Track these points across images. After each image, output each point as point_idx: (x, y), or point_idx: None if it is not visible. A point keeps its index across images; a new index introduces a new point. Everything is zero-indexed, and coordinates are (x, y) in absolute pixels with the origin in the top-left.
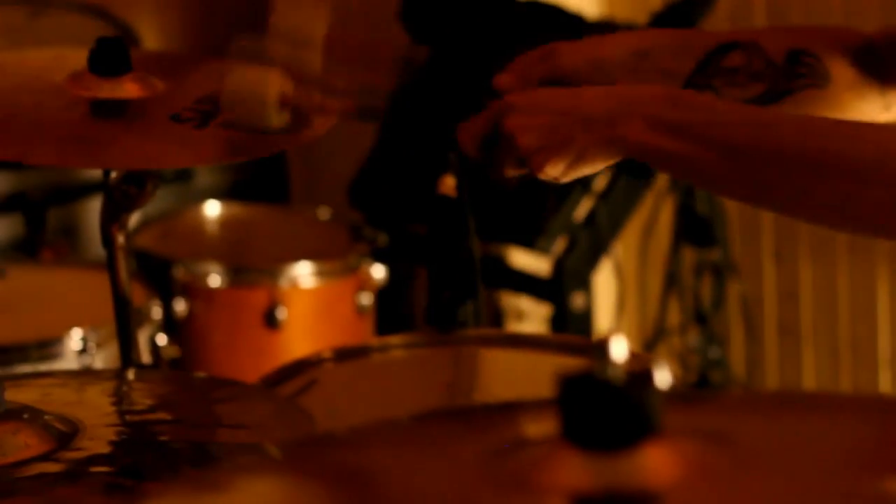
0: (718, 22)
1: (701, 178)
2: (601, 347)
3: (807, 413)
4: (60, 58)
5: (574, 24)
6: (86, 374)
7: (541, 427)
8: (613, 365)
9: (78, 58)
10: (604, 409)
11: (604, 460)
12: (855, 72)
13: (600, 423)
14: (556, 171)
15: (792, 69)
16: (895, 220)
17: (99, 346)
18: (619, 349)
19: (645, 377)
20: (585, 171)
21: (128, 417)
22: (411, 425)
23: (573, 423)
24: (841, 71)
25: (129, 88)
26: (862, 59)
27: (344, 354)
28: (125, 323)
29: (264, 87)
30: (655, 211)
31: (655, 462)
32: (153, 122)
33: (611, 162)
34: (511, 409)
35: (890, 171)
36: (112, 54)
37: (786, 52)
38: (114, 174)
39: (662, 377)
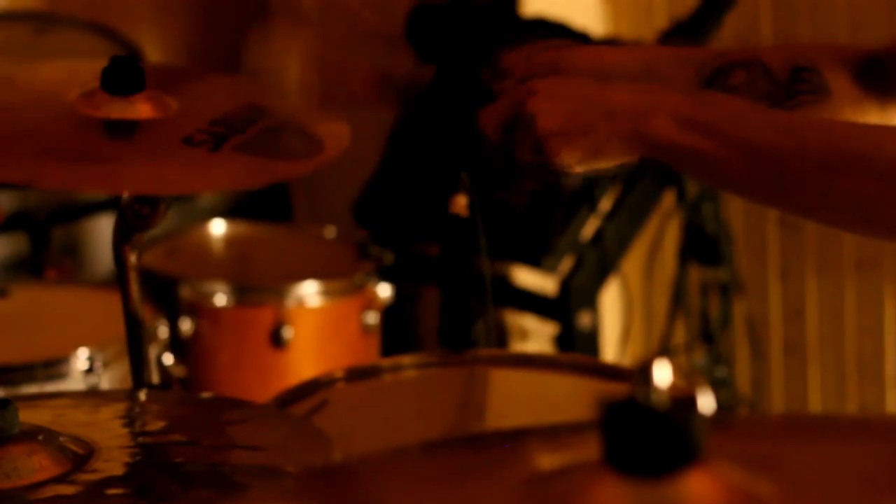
0: (725, 41)
1: (724, 178)
2: (644, 372)
3: (848, 437)
4: (73, 73)
5: (580, 42)
6: (98, 395)
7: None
8: (656, 390)
9: (90, 72)
10: (647, 435)
11: (647, 487)
12: (856, 87)
13: (643, 449)
14: (571, 159)
15: (794, 86)
16: None
17: (105, 365)
18: (663, 374)
19: (689, 403)
20: (601, 163)
21: (141, 439)
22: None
23: (616, 448)
24: (841, 85)
25: (141, 109)
26: (864, 73)
27: (355, 374)
28: (137, 343)
29: None
30: (662, 230)
31: (699, 489)
32: (165, 145)
33: (627, 159)
34: (546, 433)
35: None
36: (125, 73)
37: (789, 70)
38: (126, 194)
39: (706, 403)
